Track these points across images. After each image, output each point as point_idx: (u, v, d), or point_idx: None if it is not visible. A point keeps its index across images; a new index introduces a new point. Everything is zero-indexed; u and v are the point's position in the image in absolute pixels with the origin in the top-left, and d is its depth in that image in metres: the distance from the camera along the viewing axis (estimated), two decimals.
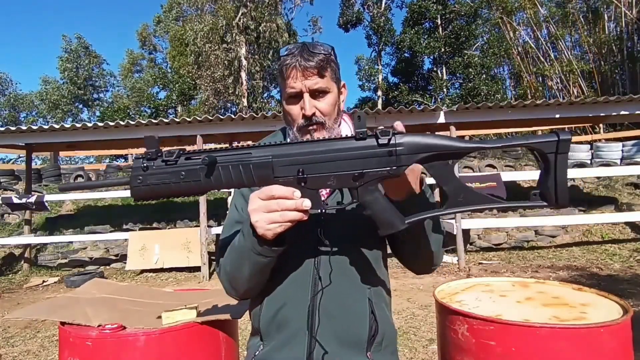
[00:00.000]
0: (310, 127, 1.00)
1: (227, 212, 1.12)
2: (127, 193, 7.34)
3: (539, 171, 0.83)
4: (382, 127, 0.82)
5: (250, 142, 11.39)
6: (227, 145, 9.03)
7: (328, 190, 1.02)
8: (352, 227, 1.00)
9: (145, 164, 0.82)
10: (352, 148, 0.81)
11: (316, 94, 0.99)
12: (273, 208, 0.82)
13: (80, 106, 28.46)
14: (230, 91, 19.67)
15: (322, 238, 0.93)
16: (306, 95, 0.98)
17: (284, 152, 0.83)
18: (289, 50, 1.00)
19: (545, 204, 0.80)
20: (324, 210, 0.95)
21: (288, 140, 1.11)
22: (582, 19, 18.59)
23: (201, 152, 0.83)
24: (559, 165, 0.77)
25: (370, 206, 0.84)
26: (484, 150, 0.88)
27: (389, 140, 0.80)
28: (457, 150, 0.80)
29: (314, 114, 0.99)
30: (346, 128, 1.11)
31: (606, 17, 17.93)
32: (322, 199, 1.02)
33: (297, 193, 0.81)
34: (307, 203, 0.81)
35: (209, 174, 0.82)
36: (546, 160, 0.79)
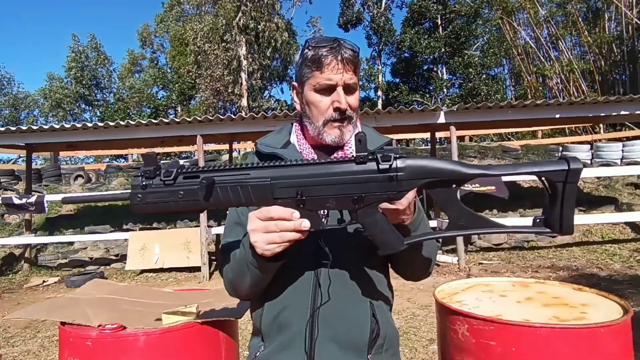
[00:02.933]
0: (340, 123, 0.99)
1: (227, 213, 1.12)
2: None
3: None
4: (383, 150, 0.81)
5: (250, 142, 11.39)
6: (227, 145, 9.03)
7: None
8: (353, 234, 1.00)
9: (144, 183, 0.82)
10: (352, 172, 0.80)
11: (348, 89, 0.98)
12: (272, 229, 0.81)
13: (84, 106, 28.43)
14: (229, 91, 19.67)
15: (323, 245, 0.93)
16: (340, 89, 0.97)
17: (282, 174, 0.82)
18: (323, 41, 0.97)
19: (548, 231, 0.78)
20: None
21: (294, 135, 1.10)
22: (581, 20, 18.58)
23: (199, 171, 0.83)
24: (567, 195, 0.75)
25: (369, 228, 0.84)
26: (488, 176, 0.87)
27: (390, 165, 0.79)
28: (459, 177, 0.79)
29: (347, 109, 0.98)
30: (356, 130, 1.09)
31: (606, 17, 17.94)
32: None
33: (296, 214, 0.81)
34: (306, 224, 0.81)
35: (208, 196, 0.82)
36: (554, 188, 0.76)
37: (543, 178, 0.77)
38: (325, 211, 1.01)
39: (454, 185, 0.80)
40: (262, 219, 0.82)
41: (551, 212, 0.77)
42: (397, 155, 0.80)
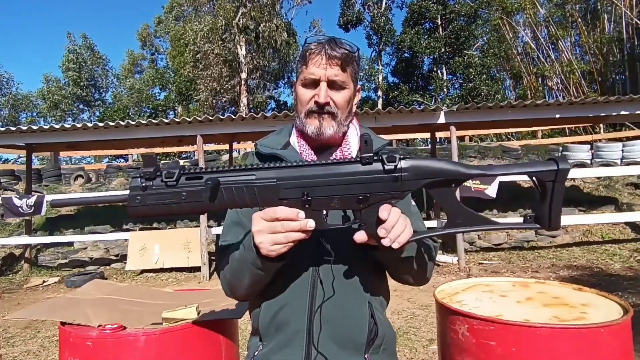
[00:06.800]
0: (321, 114, 0.99)
1: (227, 213, 1.11)
2: (127, 192, 7.35)
3: None
4: (387, 152, 0.83)
5: (250, 142, 11.38)
6: (227, 145, 9.03)
7: None
8: (353, 232, 1.00)
9: (144, 184, 0.81)
10: (358, 172, 0.82)
11: (334, 85, 0.99)
12: (277, 230, 0.82)
13: (81, 106, 28.45)
14: (229, 91, 19.68)
15: (324, 243, 0.93)
16: (323, 84, 0.98)
17: (289, 175, 0.82)
18: (316, 37, 1.00)
19: (538, 226, 0.82)
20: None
21: (294, 135, 1.10)
22: (581, 20, 18.59)
23: (202, 172, 0.82)
24: (556, 194, 0.79)
25: (373, 227, 0.85)
26: (485, 176, 0.93)
27: (396, 166, 0.81)
28: (459, 177, 0.82)
29: (327, 103, 0.99)
30: (354, 131, 1.09)
31: (606, 18, 17.94)
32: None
33: (302, 214, 0.81)
34: (311, 224, 0.81)
35: (212, 197, 0.81)
36: (544, 187, 0.80)
37: (534, 177, 0.81)
38: (326, 211, 1.01)
39: (453, 185, 0.82)
40: (268, 219, 0.82)
41: (541, 209, 0.81)
42: (402, 156, 0.82)
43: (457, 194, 5.81)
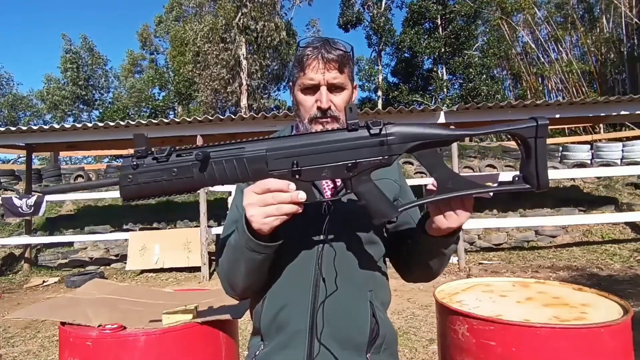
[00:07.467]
0: (324, 120, 1.00)
1: (228, 211, 1.11)
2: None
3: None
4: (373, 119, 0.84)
5: None
6: None
7: (332, 186, 1.03)
8: (355, 229, 1.00)
9: (135, 162, 0.81)
10: (345, 139, 0.83)
11: (333, 88, 0.99)
12: (269, 202, 0.81)
13: (81, 106, 28.46)
14: (229, 90, 19.68)
15: (326, 238, 0.93)
16: (323, 88, 0.98)
17: (277, 146, 0.83)
18: (310, 41, 1.00)
19: (528, 186, 0.82)
20: (326, 210, 0.96)
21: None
22: (580, 20, 18.59)
23: (193, 149, 0.83)
24: (539, 149, 0.80)
25: (364, 196, 0.85)
26: (469, 137, 0.95)
27: (380, 130, 0.82)
28: (444, 139, 0.83)
29: (329, 108, 0.99)
30: None
31: (605, 18, 17.95)
32: (330, 193, 1.03)
33: (292, 186, 0.81)
34: (302, 195, 0.81)
35: (202, 170, 0.81)
36: (527, 145, 0.81)
37: (517, 138, 0.83)
38: (326, 205, 1.01)
39: (439, 149, 0.83)
40: (259, 192, 0.82)
41: (527, 169, 0.82)
42: (387, 122, 0.83)
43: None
